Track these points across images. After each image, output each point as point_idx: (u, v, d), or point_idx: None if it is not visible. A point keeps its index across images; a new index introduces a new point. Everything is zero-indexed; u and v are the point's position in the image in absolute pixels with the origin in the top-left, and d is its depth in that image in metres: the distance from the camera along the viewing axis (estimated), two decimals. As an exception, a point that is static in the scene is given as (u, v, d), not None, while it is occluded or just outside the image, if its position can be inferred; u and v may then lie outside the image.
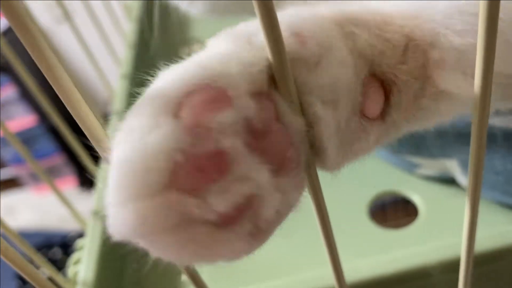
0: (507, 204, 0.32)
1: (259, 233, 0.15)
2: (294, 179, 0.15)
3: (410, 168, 0.36)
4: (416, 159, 0.35)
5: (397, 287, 0.27)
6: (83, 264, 0.32)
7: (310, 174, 0.17)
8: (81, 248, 0.34)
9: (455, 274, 0.22)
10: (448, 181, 0.35)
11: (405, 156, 0.35)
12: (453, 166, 0.34)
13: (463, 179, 0.33)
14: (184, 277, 0.34)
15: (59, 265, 1.01)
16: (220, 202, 0.13)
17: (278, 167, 0.15)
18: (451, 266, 0.26)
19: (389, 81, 0.19)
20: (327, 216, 0.19)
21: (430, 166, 0.35)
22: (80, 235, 0.36)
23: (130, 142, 0.13)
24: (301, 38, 0.16)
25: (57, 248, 1.25)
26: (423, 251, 0.27)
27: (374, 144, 0.19)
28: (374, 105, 0.19)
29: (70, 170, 1.57)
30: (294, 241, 0.34)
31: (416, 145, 0.34)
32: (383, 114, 0.19)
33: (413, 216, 0.34)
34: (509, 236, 0.27)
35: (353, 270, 0.27)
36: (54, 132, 1.45)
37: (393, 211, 0.45)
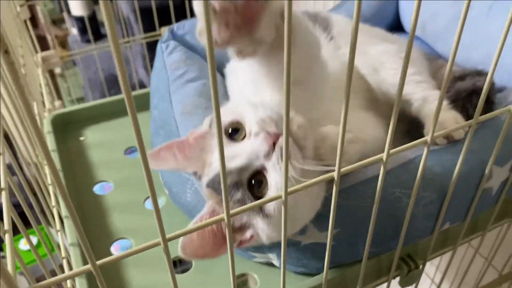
0: (299, 272, 0.66)
1: None
2: None
3: (251, 258, 0.68)
4: (254, 253, 0.67)
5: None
6: None
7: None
8: None
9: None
10: (270, 264, 0.68)
11: (250, 252, 0.67)
12: (272, 256, 0.67)
13: (277, 262, 0.66)
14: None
15: None
16: None
17: None
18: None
19: None
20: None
21: (261, 257, 0.67)
22: None
23: None
24: None
25: None
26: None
27: None
28: None
29: None
30: None
31: (256, 247, 0.66)
32: None
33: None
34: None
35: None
36: None
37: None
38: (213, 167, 0.55)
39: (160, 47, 0.84)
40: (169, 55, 0.82)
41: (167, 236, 0.38)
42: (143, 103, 0.88)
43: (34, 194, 0.61)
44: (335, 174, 0.43)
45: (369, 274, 0.65)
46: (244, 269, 0.68)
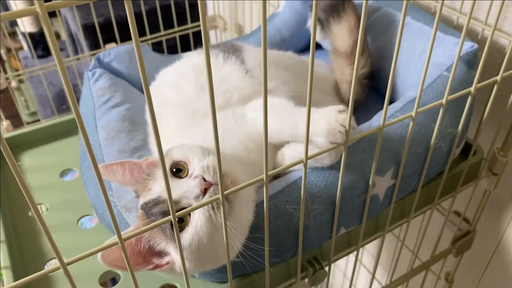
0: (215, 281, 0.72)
1: None
2: None
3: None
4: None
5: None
6: None
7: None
8: None
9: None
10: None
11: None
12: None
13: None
14: None
15: None
16: None
17: None
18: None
19: None
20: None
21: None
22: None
23: None
24: None
25: None
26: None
27: None
28: None
29: None
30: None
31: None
32: None
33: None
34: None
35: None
36: None
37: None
38: (151, 192, 0.60)
39: (86, 75, 0.89)
40: (95, 82, 0.87)
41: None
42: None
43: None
44: (263, 176, 0.49)
45: (279, 276, 0.72)
46: (167, 279, 0.74)
